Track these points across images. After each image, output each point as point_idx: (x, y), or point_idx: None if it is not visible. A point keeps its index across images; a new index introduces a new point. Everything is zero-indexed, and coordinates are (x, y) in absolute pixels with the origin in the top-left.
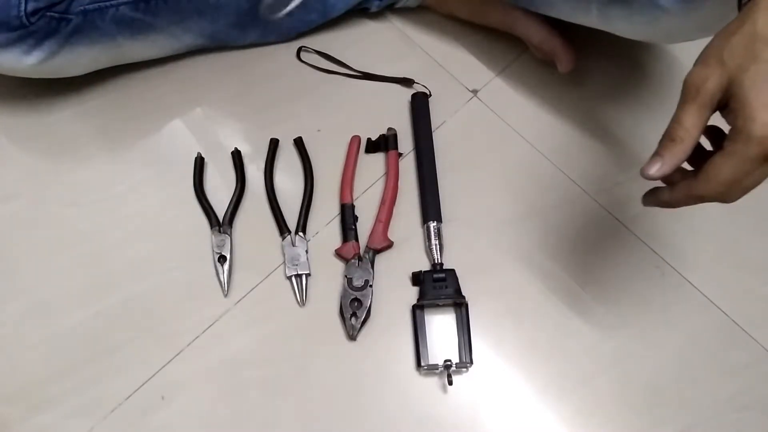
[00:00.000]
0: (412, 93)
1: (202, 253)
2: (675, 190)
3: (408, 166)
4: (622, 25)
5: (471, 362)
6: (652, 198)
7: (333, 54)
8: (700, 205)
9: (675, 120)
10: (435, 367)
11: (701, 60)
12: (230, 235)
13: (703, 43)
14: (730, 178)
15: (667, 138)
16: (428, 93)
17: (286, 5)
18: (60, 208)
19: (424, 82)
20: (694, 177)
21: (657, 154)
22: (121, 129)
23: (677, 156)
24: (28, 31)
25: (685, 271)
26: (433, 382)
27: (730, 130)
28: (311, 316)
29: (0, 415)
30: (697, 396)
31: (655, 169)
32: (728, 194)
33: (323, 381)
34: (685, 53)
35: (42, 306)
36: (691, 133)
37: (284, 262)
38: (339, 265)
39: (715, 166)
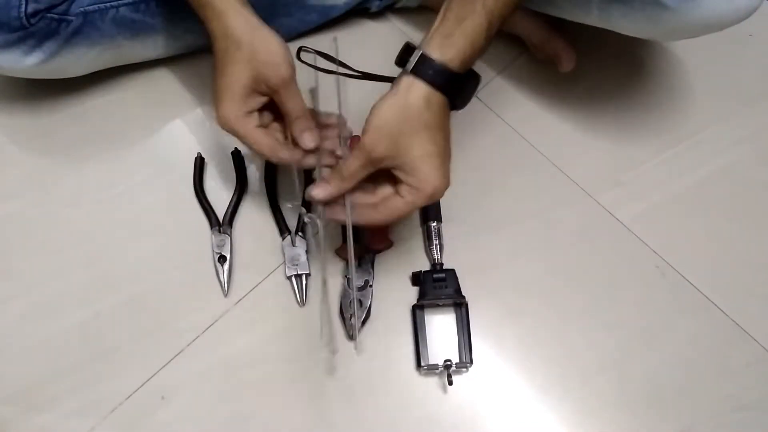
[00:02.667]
0: None
1: (202, 253)
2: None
3: None
4: (622, 23)
5: (471, 362)
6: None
7: (333, 54)
8: (701, 205)
9: (347, 166)
10: (435, 367)
11: (371, 128)
12: (230, 235)
13: (704, 39)
14: (401, 213)
15: (338, 174)
16: None
17: None
18: (60, 208)
19: None
20: (373, 208)
21: (324, 181)
22: (121, 129)
23: (340, 189)
24: (29, 32)
25: (685, 271)
26: (433, 382)
27: (406, 185)
28: (311, 316)
29: (0, 415)
30: (697, 396)
31: (319, 191)
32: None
33: (323, 381)
34: (686, 51)
35: (42, 306)
36: (355, 178)
37: (284, 262)
38: (339, 265)
39: (396, 207)
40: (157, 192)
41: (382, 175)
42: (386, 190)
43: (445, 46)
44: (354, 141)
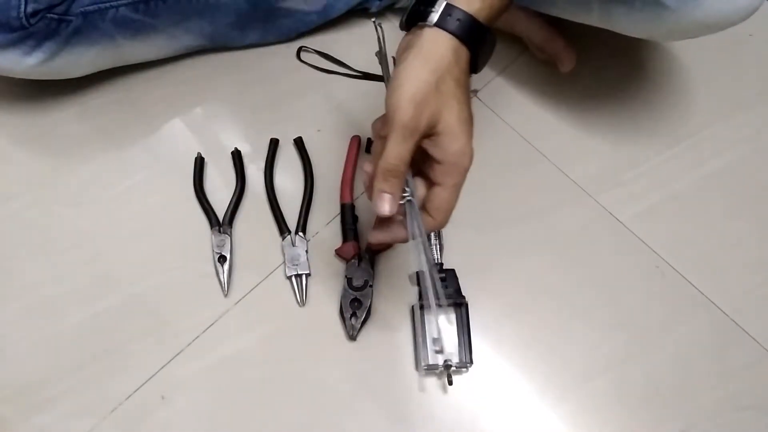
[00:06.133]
0: None
1: (202, 253)
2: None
3: None
4: (623, 23)
5: (471, 362)
6: (385, 234)
7: (333, 54)
8: (701, 205)
9: (395, 155)
10: (435, 367)
11: (407, 98)
12: (230, 235)
13: (704, 40)
14: (453, 205)
15: (385, 174)
16: None
17: None
18: (60, 208)
19: None
20: (426, 215)
21: (383, 191)
22: (121, 129)
23: (400, 186)
24: (28, 32)
25: (685, 271)
26: (433, 382)
27: (439, 166)
28: (311, 316)
29: (0, 415)
30: (697, 396)
31: (383, 203)
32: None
33: (323, 381)
34: (686, 52)
35: (42, 306)
36: (408, 166)
37: (284, 262)
38: (339, 265)
39: (445, 199)
40: (157, 192)
41: None
42: (419, 190)
43: None
44: (354, 141)
